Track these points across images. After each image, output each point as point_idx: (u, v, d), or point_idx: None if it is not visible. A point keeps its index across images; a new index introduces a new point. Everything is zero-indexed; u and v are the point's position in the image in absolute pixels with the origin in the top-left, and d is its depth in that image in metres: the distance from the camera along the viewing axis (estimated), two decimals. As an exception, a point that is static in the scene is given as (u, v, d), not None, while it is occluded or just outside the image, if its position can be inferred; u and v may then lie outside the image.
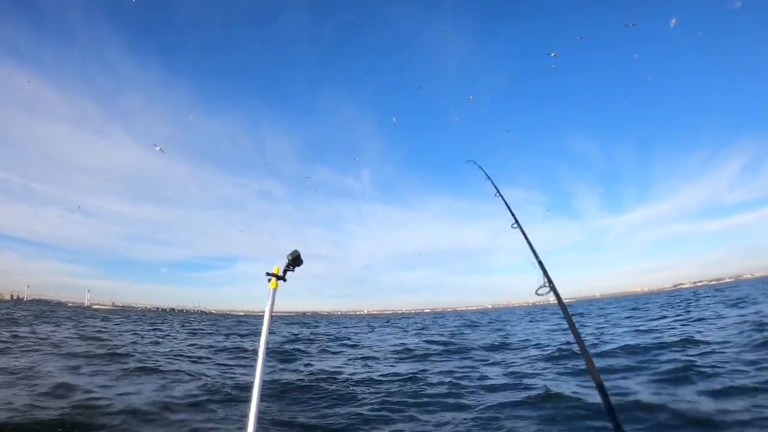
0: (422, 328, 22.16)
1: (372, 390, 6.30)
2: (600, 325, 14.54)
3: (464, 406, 5.27)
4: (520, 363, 8.18)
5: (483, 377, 6.91)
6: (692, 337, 8.68)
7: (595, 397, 4.97)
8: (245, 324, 29.73)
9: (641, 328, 12.17)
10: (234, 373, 7.65)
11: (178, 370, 7.60)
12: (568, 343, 9.97)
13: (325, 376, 7.47)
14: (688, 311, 16.24)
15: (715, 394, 4.81)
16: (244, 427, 1.95)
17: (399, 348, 11.48)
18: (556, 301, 2.32)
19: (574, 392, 5.38)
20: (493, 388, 6.11)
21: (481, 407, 5.17)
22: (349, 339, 15.76)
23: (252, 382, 2.02)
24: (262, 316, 2.23)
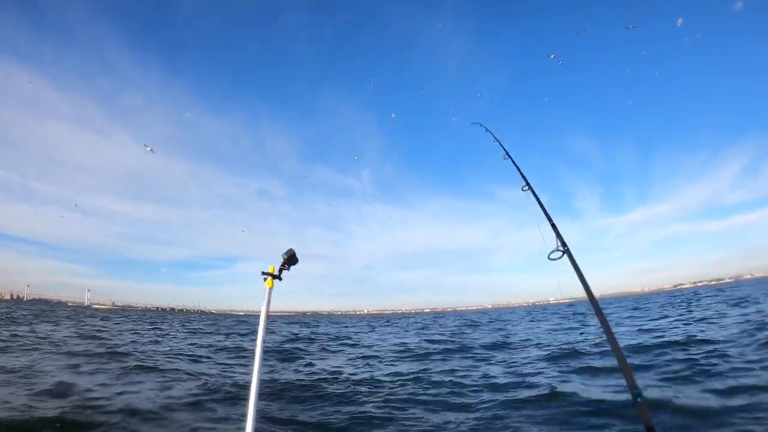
0: (423, 328, 22.14)
1: (373, 389, 6.26)
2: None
3: (467, 405, 5.24)
4: (522, 362, 8.15)
5: (485, 376, 6.88)
6: (696, 336, 8.67)
7: (599, 395, 5.00)
8: (245, 323, 29.72)
9: (644, 327, 12.15)
10: (234, 373, 7.62)
11: (177, 370, 7.57)
12: (579, 341, 9.97)
13: (325, 376, 7.44)
14: (690, 311, 16.23)
15: (722, 393, 4.80)
16: (244, 426, 1.92)
17: (400, 347, 11.45)
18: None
19: (578, 390, 5.35)
20: (496, 387, 6.08)
21: (484, 406, 5.13)
22: (349, 338, 15.73)
23: (250, 381, 2.00)
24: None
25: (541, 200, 2.61)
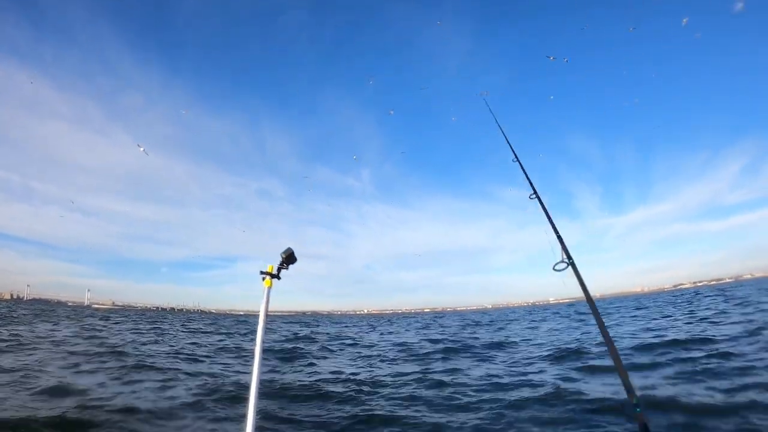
0: (423, 327, 22.14)
1: (375, 389, 6.24)
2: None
3: (470, 404, 5.22)
4: (524, 361, 8.13)
5: (488, 375, 6.85)
6: (700, 335, 8.70)
7: (601, 394, 5.00)
8: (245, 323, 29.72)
9: (650, 326, 12.16)
10: (234, 372, 7.60)
11: (177, 369, 7.56)
12: (580, 340, 9.96)
13: (326, 375, 7.42)
14: (692, 311, 16.25)
15: (727, 391, 4.83)
16: (244, 426, 1.91)
17: (401, 347, 11.43)
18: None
19: (581, 389, 5.34)
20: (498, 386, 6.06)
21: (487, 405, 5.11)
22: (349, 338, 15.72)
23: (250, 380, 2.00)
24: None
25: (548, 210, 2.57)
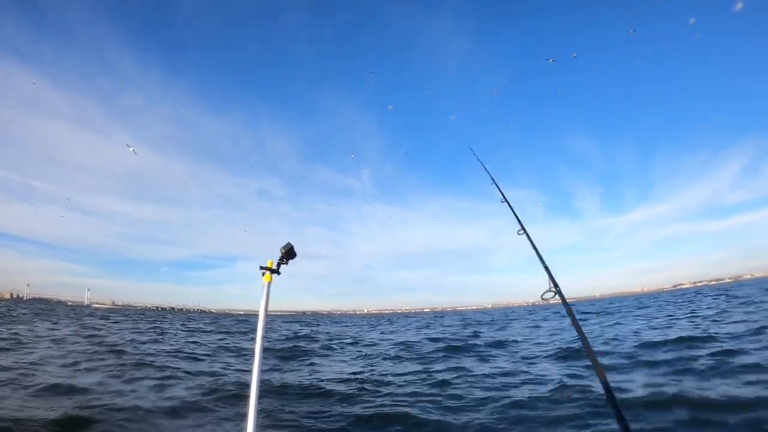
0: (424, 327, 22.13)
1: (376, 388, 6.20)
2: (611, 323, 14.51)
3: (474, 402, 5.19)
4: (528, 359, 8.11)
5: (491, 374, 6.82)
6: (705, 333, 8.73)
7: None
8: (245, 323, 29.71)
9: (653, 325, 12.17)
10: (234, 371, 7.59)
11: (177, 368, 7.54)
12: (576, 339, 9.95)
13: (327, 375, 7.39)
14: (695, 310, 16.26)
15: (736, 386, 4.88)
16: (245, 425, 1.92)
17: (403, 346, 11.40)
18: (555, 300, 2.40)
19: (584, 387, 5.34)
20: (503, 384, 6.04)
21: (492, 403, 5.09)
22: (350, 337, 15.71)
23: (250, 379, 2.00)
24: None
25: (535, 245, 2.71)
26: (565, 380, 5.87)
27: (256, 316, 2.22)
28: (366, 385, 6.34)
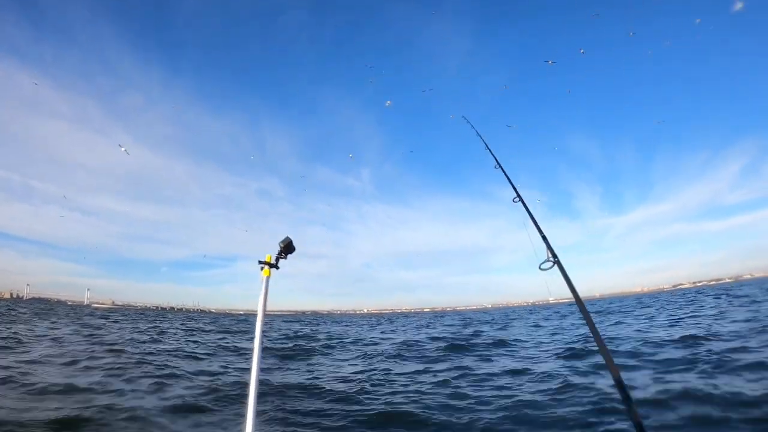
0: (425, 326, 22.12)
1: (378, 388, 6.17)
2: (612, 323, 14.52)
3: (477, 401, 5.16)
4: (530, 359, 8.07)
5: (494, 373, 6.79)
6: (709, 332, 8.73)
7: (609, 389, 5.00)
8: (245, 322, 29.70)
9: (656, 324, 12.14)
10: (234, 370, 7.57)
11: (177, 368, 7.51)
12: (585, 338, 9.97)
13: (328, 374, 7.36)
14: (698, 309, 16.26)
15: (742, 383, 4.90)
16: (244, 424, 1.91)
17: (404, 345, 11.35)
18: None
19: (588, 385, 5.32)
20: (506, 384, 6.00)
21: (495, 402, 5.06)
22: (351, 336, 15.67)
23: (249, 378, 1.99)
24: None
25: (531, 212, 2.66)
26: (569, 379, 5.84)
27: (256, 316, 2.21)
28: (367, 385, 6.30)
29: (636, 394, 4.84)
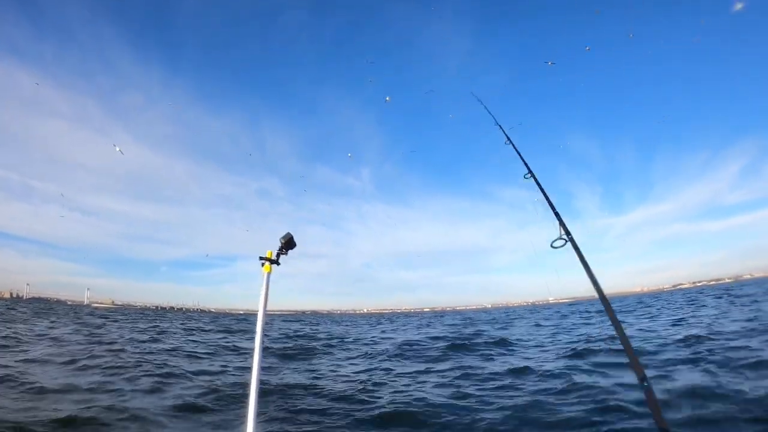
0: (426, 326, 22.11)
1: (380, 387, 6.14)
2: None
3: (480, 401, 5.12)
4: (532, 358, 8.04)
5: (496, 373, 6.76)
6: (713, 331, 8.76)
7: (613, 388, 5.00)
8: (245, 322, 29.70)
9: (659, 324, 12.14)
10: (234, 370, 7.55)
11: (177, 367, 7.47)
12: (587, 338, 9.97)
13: (329, 374, 7.33)
14: (700, 308, 16.28)
15: (747, 380, 4.96)
16: (244, 424, 1.90)
17: (405, 344, 11.32)
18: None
19: (592, 383, 5.31)
20: (509, 383, 5.97)
21: (497, 403, 5.02)
22: (351, 336, 15.66)
23: (250, 377, 1.98)
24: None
25: (543, 188, 2.53)
26: (573, 378, 5.81)
27: (256, 315, 2.21)
28: (369, 385, 6.27)
29: (630, 394, 4.82)
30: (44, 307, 48.91)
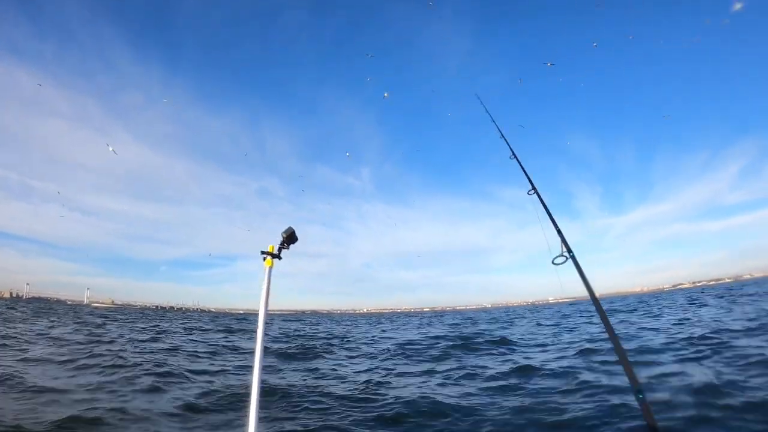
0: (426, 325, 22.11)
1: (381, 387, 6.10)
2: (620, 320, 14.53)
3: (484, 402, 5.08)
4: (534, 358, 7.99)
5: (499, 372, 6.71)
6: (718, 329, 8.75)
7: (616, 386, 4.97)
8: (245, 321, 29.70)
9: (662, 323, 12.13)
10: (234, 371, 7.51)
11: (176, 367, 7.44)
12: (590, 337, 9.95)
13: (329, 374, 7.29)
14: (701, 308, 16.28)
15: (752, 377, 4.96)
16: (246, 425, 1.89)
17: (406, 344, 11.28)
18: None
19: (601, 384, 5.28)
20: (512, 383, 5.93)
21: (501, 403, 4.99)
22: (352, 336, 15.64)
23: (251, 375, 1.97)
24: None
25: (546, 205, 2.58)
26: (578, 377, 5.78)
27: (256, 315, 2.19)
28: (371, 385, 6.23)
29: (645, 393, 4.82)
30: (44, 306, 48.89)
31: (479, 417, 4.60)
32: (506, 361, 7.96)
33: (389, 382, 6.36)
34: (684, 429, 3.86)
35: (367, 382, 6.41)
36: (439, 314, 62.90)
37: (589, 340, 9.49)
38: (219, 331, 18.22)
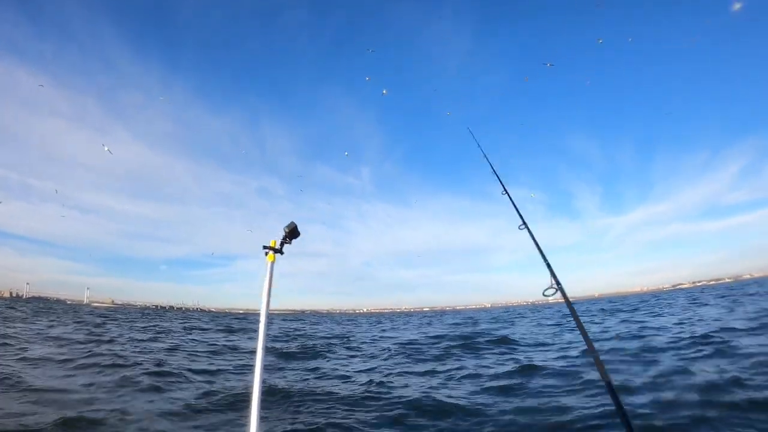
0: (427, 325, 22.11)
1: (382, 387, 6.06)
2: (622, 319, 14.49)
3: (485, 402, 5.05)
4: (539, 357, 7.96)
5: (500, 372, 6.69)
6: (719, 329, 8.76)
7: (628, 386, 4.95)
8: (245, 321, 29.70)
9: (664, 323, 12.14)
10: (234, 371, 7.49)
11: (176, 367, 7.43)
12: (592, 338, 9.94)
13: (330, 373, 7.27)
14: (702, 307, 16.29)
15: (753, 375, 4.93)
16: (247, 425, 1.86)
17: (406, 344, 11.27)
18: (555, 300, 2.37)
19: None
20: (514, 383, 5.89)
21: (502, 403, 4.95)
22: (352, 335, 15.63)
23: (252, 374, 1.94)
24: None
25: (537, 240, 2.63)
26: (581, 376, 5.75)
27: (256, 314, 2.16)
28: (372, 384, 6.20)
29: (644, 393, 4.78)
30: (44, 306, 48.91)
31: (482, 417, 4.57)
32: (508, 360, 7.93)
33: (391, 382, 6.32)
34: (689, 427, 3.84)
35: (369, 381, 6.37)
36: (439, 314, 62.94)
37: (595, 341, 9.47)
38: (219, 330, 18.20)
